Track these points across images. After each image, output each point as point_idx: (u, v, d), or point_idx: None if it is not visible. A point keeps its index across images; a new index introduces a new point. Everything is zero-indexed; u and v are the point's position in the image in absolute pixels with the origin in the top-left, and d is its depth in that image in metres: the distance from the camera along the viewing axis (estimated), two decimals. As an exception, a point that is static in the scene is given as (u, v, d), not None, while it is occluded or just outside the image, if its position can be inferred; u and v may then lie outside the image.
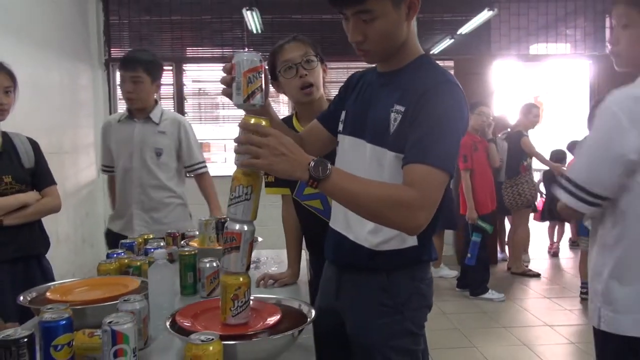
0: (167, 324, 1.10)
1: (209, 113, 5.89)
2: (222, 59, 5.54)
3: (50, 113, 4.12)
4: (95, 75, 5.04)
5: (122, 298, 1.15)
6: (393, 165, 1.14)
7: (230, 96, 1.11)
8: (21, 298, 1.27)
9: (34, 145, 2.03)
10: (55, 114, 4.20)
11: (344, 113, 1.31)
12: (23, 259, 1.90)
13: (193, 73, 5.73)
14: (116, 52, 5.32)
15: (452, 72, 5.47)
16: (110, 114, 5.02)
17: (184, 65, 5.47)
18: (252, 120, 1.04)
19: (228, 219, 1.10)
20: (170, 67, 5.35)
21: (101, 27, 5.17)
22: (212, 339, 0.91)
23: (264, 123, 1.05)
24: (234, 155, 1.06)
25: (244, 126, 1.03)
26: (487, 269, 4.36)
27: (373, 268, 1.21)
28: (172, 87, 5.37)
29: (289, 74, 1.67)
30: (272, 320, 1.13)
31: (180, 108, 5.38)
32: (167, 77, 5.34)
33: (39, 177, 1.99)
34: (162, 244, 1.93)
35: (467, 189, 4.16)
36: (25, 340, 0.89)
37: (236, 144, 1.03)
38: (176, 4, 5.39)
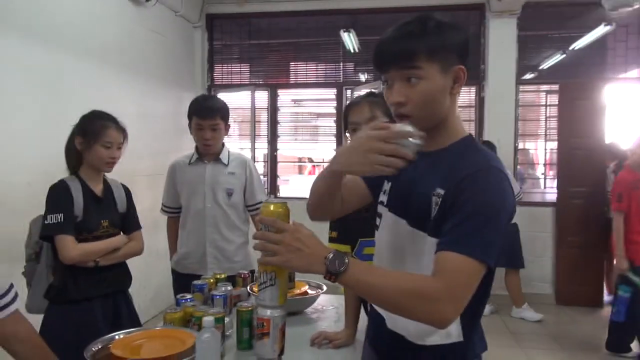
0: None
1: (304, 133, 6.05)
2: (315, 84, 5.69)
3: (155, 138, 4.50)
4: (198, 101, 5.43)
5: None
6: (433, 251, 1.07)
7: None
8: (86, 352, 1.40)
9: (127, 191, 2.24)
10: (160, 139, 4.58)
11: (388, 184, 1.27)
12: (112, 294, 2.10)
13: (288, 97, 5.93)
14: (218, 78, 5.69)
15: (556, 96, 5.10)
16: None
17: (279, 90, 5.67)
18: (272, 208, 1.06)
19: (258, 305, 1.12)
20: (266, 91, 5.59)
21: (205, 55, 5.55)
22: None
23: (281, 210, 1.06)
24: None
25: (261, 221, 1.05)
26: (637, 326, 3.63)
27: None
28: (266, 110, 5.60)
29: (354, 136, 1.70)
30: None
31: (273, 131, 5.59)
32: (262, 101, 5.58)
33: (128, 221, 2.19)
34: (229, 287, 2.02)
35: (618, 233, 3.54)
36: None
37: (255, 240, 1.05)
38: (276, 29, 5.62)
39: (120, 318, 2.05)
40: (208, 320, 1.35)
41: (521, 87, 5.28)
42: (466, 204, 1.01)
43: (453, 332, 1.11)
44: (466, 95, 5.42)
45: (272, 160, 5.63)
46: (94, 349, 1.43)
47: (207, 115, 2.39)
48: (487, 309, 4.66)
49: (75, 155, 2.05)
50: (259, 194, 2.57)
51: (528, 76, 5.37)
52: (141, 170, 4.20)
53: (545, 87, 5.54)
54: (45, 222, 1.92)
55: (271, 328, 1.10)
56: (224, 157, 2.52)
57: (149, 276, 4.29)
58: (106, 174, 2.15)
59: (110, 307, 2.07)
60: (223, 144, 2.55)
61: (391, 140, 0.99)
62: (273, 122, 5.61)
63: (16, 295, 1.30)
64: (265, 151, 5.61)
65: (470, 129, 5.29)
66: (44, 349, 1.36)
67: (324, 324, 1.94)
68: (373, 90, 1.75)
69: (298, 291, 2.10)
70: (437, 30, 1.06)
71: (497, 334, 4.24)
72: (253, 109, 5.40)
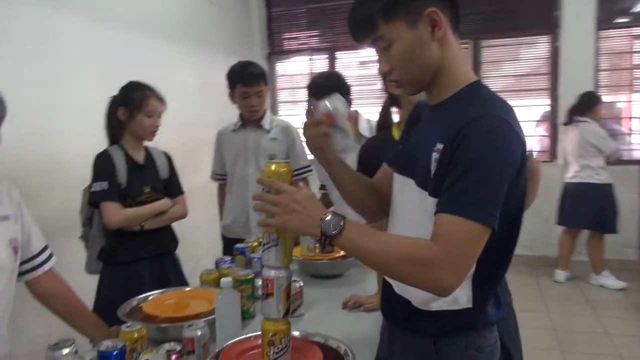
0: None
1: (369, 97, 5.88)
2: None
3: (218, 108, 4.59)
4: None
5: (187, 323, 1.26)
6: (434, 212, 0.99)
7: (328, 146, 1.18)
8: (120, 311, 1.47)
9: (168, 158, 2.32)
10: (222, 109, 4.65)
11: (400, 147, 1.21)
12: (158, 257, 2.20)
13: (352, 60, 5.78)
14: (277, 44, 5.67)
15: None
16: (273, 106, 5.46)
17: (341, 52, 5.54)
18: (273, 167, 1.03)
19: (263, 265, 1.11)
20: (326, 56, 5.50)
21: (264, 22, 5.54)
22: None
23: (283, 169, 1.02)
24: None
25: (260, 181, 1.02)
26: None
27: (418, 330, 1.09)
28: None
29: None
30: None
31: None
32: (324, 67, 5.50)
33: (171, 187, 2.27)
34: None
35: None
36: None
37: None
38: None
39: (168, 279, 2.15)
40: (225, 281, 1.37)
41: (604, 33, 4.75)
42: (461, 160, 0.92)
43: (461, 298, 1.03)
44: (540, 46, 4.98)
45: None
46: (127, 309, 1.51)
47: (252, 83, 2.42)
48: (562, 275, 4.39)
49: (116, 126, 2.13)
50: (301, 160, 2.55)
51: (618, 20, 4.79)
52: (204, 140, 4.31)
53: (636, 32, 4.94)
54: (92, 190, 2.03)
55: (275, 288, 1.08)
56: (265, 123, 2.54)
57: (213, 242, 4.47)
58: (147, 142, 2.22)
59: (157, 269, 2.17)
60: (265, 110, 2.55)
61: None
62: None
63: (50, 256, 1.38)
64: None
65: (543, 82, 4.89)
66: (81, 308, 1.45)
67: (363, 287, 1.91)
68: None
69: (338, 254, 2.08)
70: None
71: (572, 302, 3.98)
72: (310, 75, 5.35)
